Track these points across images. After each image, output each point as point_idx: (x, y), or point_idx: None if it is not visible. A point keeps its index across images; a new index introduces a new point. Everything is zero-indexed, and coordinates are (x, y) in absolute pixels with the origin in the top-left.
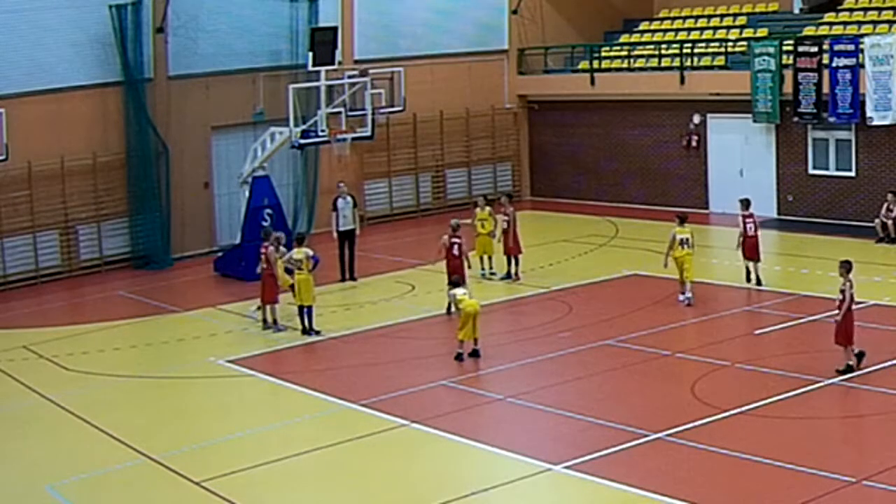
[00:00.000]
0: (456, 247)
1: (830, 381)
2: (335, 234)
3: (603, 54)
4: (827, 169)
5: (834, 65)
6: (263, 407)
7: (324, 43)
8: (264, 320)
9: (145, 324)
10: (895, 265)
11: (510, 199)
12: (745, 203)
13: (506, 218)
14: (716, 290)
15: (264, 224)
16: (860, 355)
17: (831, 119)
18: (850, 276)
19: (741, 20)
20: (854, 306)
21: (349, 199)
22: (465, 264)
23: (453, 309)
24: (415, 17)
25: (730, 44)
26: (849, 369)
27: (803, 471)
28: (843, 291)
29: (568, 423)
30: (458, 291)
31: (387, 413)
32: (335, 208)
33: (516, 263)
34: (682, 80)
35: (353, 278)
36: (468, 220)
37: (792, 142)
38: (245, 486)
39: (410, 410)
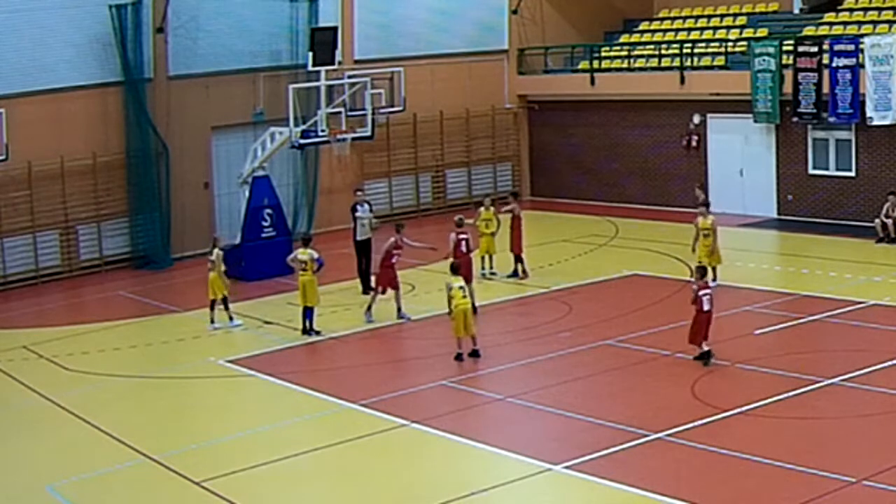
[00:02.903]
0: (463, 243)
1: (830, 381)
2: (353, 243)
3: (603, 54)
4: (827, 169)
5: (834, 65)
6: (263, 407)
7: (324, 43)
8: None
9: (145, 324)
10: (895, 265)
11: (515, 197)
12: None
13: (502, 214)
14: (716, 290)
15: (263, 223)
16: (706, 354)
17: (831, 119)
18: (704, 279)
19: (741, 20)
20: (706, 308)
21: (366, 205)
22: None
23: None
24: (415, 16)
25: (730, 44)
26: (704, 356)
27: (803, 471)
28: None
29: (568, 423)
30: (455, 284)
31: (387, 413)
32: (354, 216)
33: (521, 261)
34: (682, 81)
35: (366, 291)
36: (471, 221)
37: (792, 142)
38: (245, 486)
39: (410, 410)
